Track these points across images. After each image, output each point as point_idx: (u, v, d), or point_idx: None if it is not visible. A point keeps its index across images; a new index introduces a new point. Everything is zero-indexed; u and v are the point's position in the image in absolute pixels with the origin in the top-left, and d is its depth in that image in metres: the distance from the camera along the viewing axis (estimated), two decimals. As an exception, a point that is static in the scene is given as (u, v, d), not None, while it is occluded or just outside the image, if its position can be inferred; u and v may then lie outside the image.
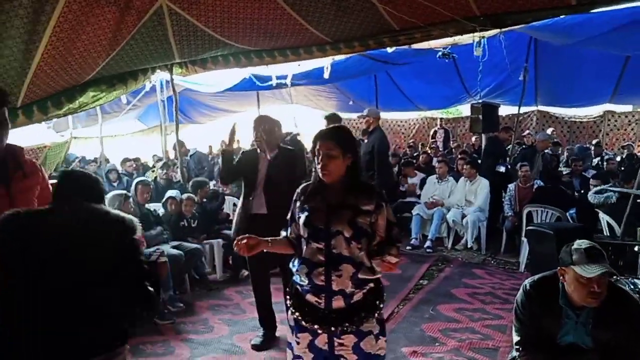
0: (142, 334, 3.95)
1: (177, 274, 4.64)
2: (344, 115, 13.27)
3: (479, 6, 3.60)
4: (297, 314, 2.08)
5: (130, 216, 1.87)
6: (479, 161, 7.42)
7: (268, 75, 7.97)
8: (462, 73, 9.45)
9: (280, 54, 4.46)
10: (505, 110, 10.72)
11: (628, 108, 11.67)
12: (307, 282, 2.02)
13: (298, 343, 2.09)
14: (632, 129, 11.34)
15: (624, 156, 9.37)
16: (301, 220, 2.07)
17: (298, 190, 2.18)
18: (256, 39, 4.08)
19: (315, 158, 2.04)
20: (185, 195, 5.52)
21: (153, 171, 8.45)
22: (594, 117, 11.81)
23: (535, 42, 7.81)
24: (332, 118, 4.77)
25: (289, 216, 2.21)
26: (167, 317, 4.19)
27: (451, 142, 11.86)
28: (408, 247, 6.31)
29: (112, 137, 12.83)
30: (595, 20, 5.07)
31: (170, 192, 5.55)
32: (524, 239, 5.35)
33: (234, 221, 3.89)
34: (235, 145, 3.84)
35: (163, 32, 3.64)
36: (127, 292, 1.78)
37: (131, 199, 4.66)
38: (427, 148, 10.89)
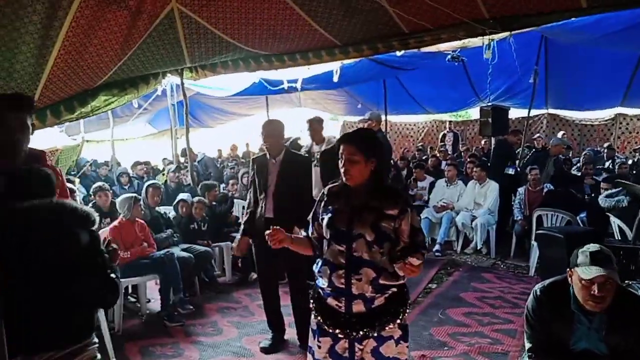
0: (152, 335, 3.99)
1: (187, 277, 4.66)
2: (353, 118, 13.38)
3: (489, 9, 3.59)
4: (319, 317, 2.08)
5: (89, 208, 2.01)
6: (488, 164, 7.38)
7: (279, 79, 8.01)
8: (472, 76, 9.40)
9: (290, 58, 4.47)
10: (515, 113, 10.65)
11: (640, 111, 11.55)
12: (327, 284, 2.02)
13: (319, 347, 2.09)
14: (644, 132, 11.23)
15: (635, 159, 9.27)
16: (324, 221, 2.07)
17: (324, 190, 2.18)
18: (266, 41, 4.10)
19: (339, 161, 2.05)
20: (196, 199, 5.56)
21: (163, 174, 8.51)
22: (605, 120, 11.68)
23: (546, 45, 7.75)
24: (314, 120, 4.75)
25: (310, 216, 2.22)
26: (176, 320, 4.22)
27: (460, 146, 11.81)
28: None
29: (124, 140, 12.95)
30: (607, 19, 5.04)
31: (182, 195, 5.59)
32: (534, 243, 5.31)
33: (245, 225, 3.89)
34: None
35: (174, 36, 3.67)
36: (95, 280, 1.94)
37: (141, 202, 4.70)
38: (436, 151, 10.85)
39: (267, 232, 2.10)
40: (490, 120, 6.80)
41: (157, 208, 5.20)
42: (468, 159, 7.80)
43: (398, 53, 5.20)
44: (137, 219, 4.50)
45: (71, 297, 1.87)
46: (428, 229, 6.57)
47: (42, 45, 2.84)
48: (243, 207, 5.99)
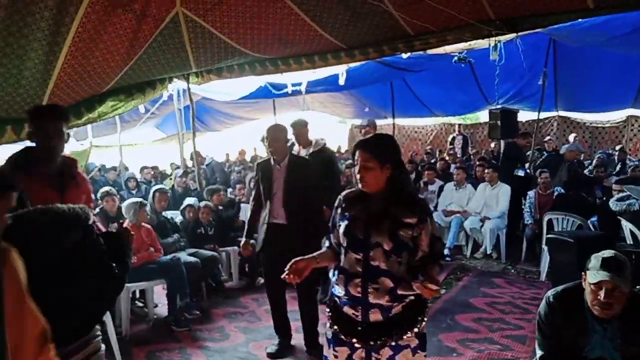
0: (159, 340, 3.99)
1: (194, 282, 4.65)
2: (361, 122, 13.31)
3: (495, 10, 3.56)
4: (335, 327, 2.04)
5: (82, 206, 2.03)
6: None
7: (283, 82, 8.00)
8: (480, 79, 9.35)
9: (295, 61, 4.47)
10: (525, 115, 10.54)
11: (652, 113, 11.39)
12: (344, 292, 1.98)
13: (336, 357, 2.05)
14: (657, 135, 11.07)
15: (648, 162, 9.12)
16: (341, 229, 2.03)
17: (340, 196, 2.13)
18: (271, 45, 4.10)
19: (355, 168, 2.02)
20: (202, 203, 5.57)
21: (171, 179, 8.54)
22: (617, 122, 11.53)
23: (555, 47, 7.68)
24: (298, 123, 4.71)
25: (330, 223, 2.17)
26: (183, 324, 4.21)
27: (470, 149, 11.72)
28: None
29: (132, 145, 13.04)
30: (615, 21, 4.97)
31: (189, 200, 5.60)
32: (544, 247, 5.24)
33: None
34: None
35: (179, 40, 3.68)
36: (98, 276, 1.99)
37: (148, 206, 4.70)
38: (445, 155, 10.78)
39: (287, 270, 2.01)
40: (499, 123, 6.76)
41: (164, 213, 5.20)
42: (477, 162, 7.73)
43: (404, 55, 5.17)
44: (143, 223, 4.51)
45: (72, 293, 1.90)
46: (437, 233, 6.51)
47: (50, 52, 2.87)
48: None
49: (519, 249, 6.20)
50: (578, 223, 5.28)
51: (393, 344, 1.95)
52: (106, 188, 5.57)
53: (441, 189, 7.20)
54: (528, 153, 7.59)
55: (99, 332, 2.09)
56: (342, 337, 2.01)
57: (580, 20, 4.07)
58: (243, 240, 3.75)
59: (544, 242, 5.33)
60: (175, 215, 5.50)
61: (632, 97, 9.39)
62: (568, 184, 6.71)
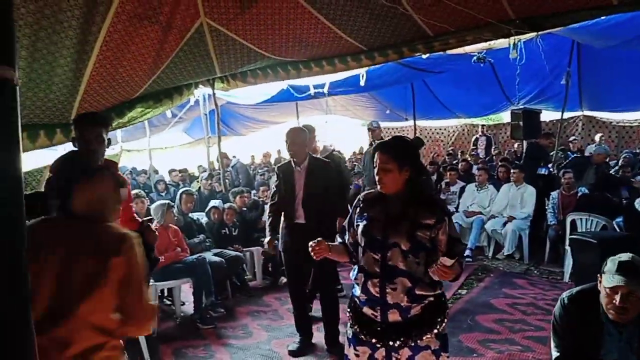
0: (185, 337, 4.12)
1: (219, 281, 4.79)
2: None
3: (514, 9, 3.54)
4: (355, 327, 2.08)
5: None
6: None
7: (305, 85, 8.08)
8: (502, 80, 9.25)
9: (316, 64, 4.54)
10: (548, 115, 10.38)
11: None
12: (363, 292, 2.02)
13: (357, 356, 2.09)
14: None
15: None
16: (359, 229, 2.07)
17: (360, 196, 2.18)
18: (292, 48, 4.19)
19: (374, 170, 2.06)
20: (227, 205, 5.71)
21: (198, 181, 8.74)
22: (644, 121, 11.25)
23: (579, 46, 7.56)
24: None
25: (346, 222, 2.22)
26: (208, 322, 4.34)
27: (493, 149, 11.60)
28: (447, 256, 6.23)
29: (162, 149, 13.35)
30: (636, 20, 4.89)
31: (213, 202, 5.75)
32: (567, 248, 5.19)
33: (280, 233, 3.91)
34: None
35: (204, 48, 3.79)
36: None
37: (175, 208, 4.85)
38: (467, 155, 10.70)
39: (311, 243, 2.10)
40: (521, 123, 6.72)
41: (190, 214, 5.36)
42: (499, 163, 7.68)
43: (423, 56, 5.19)
44: (170, 224, 4.66)
45: None
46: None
47: (79, 59, 3.00)
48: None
49: (542, 249, 6.14)
50: (602, 224, 5.21)
51: (412, 344, 1.97)
52: (135, 191, 5.76)
53: (462, 189, 7.18)
54: (551, 153, 7.50)
55: None
56: (362, 337, 2.05)
57: (601, 18, 4.02)
58: (267, 237, 3.81)
59: (567, 242, 5.28)
60: (201, 217, 5.65)
61: (659, 95, 9.14)
62: (595, 185, 6.61)
